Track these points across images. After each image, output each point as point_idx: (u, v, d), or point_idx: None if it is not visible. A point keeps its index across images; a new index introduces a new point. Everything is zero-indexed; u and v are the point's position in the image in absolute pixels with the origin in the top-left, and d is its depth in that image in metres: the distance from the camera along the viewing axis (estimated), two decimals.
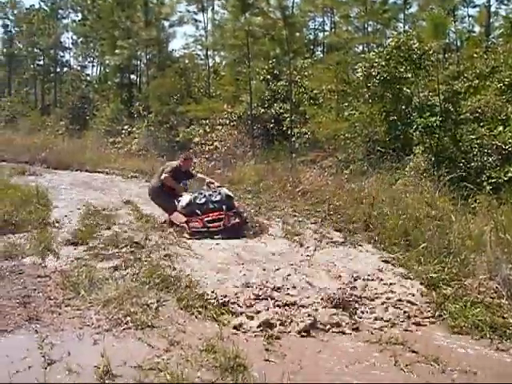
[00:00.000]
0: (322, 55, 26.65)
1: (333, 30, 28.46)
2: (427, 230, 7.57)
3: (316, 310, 5.15)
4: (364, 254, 7.35)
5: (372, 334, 4.76)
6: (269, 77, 20.41)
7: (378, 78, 14.76)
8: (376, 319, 5.06)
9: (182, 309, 5.09)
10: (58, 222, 8.62)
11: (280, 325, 4.83)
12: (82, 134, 27.21)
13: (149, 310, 4.96)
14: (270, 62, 20.59)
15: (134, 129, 23.80)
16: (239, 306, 5.20)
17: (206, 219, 8.46)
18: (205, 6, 26.96)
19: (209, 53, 27.63)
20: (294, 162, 15.21)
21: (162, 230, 8.39)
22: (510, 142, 12.59)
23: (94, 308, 4.98)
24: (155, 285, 5.60)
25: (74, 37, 44.37)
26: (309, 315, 4.99)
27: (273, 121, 19.39)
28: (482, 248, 6.59)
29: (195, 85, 25.48)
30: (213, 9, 28.79)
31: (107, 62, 30.76)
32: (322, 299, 5.36)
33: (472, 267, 6.15)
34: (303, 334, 4.72)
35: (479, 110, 14.37)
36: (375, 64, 14.91)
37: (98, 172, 17.20)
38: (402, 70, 14.67)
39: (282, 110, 19.07)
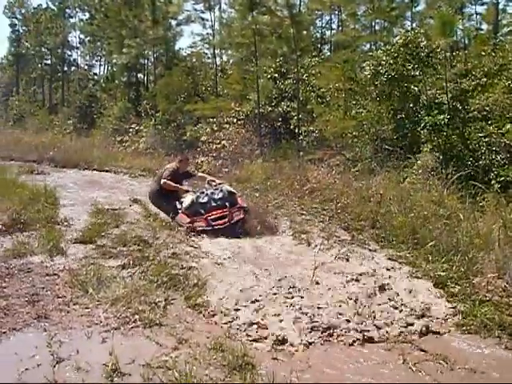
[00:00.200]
0: (329, 53, 26.47)
1: (340, 28, 28.32)
2: (435, 228, 7.56)
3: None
4: (371, 253, 7.34)
5: (380, 333, 4.75)
6: (276, 75, 20.35)
7: (385, 76, 14.70)
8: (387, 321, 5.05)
9: (189, 307, 5.10)
10: (66, 221, 8.64)
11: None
12: (90, 133, 27.31)
13: (157, 309, 4.97)
14: (278, 60, 20.52)
15: (142, 127, 23.85)
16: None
17: (209, 218, 8.48)
18: (212, 4, 26.91)
19: (216, 51, 27.62)
20: (302, 161, 15.18)
21: (169, 229, 8.40)
22: None
23: (103, 306, 5.00)
24: (163, 283, 5.61)
25: (82, 36, 44.39)
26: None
27: (280, 119, 19.34)
28: (491, 246, 6.58)
29: (202, 83, 25.45)
30: (220, 7, 28.78)
31: (114, 60, 30.84)
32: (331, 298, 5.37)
33: (480, 266, 6.14)
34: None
35: (487, 108, 14.28)
36: (383, 62, 14.85)
37: (106, 171, 17.26)
38: (409, 68, 14.60)
39: (289, 109, 19.01)
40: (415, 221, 7.97)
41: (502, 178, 11.62)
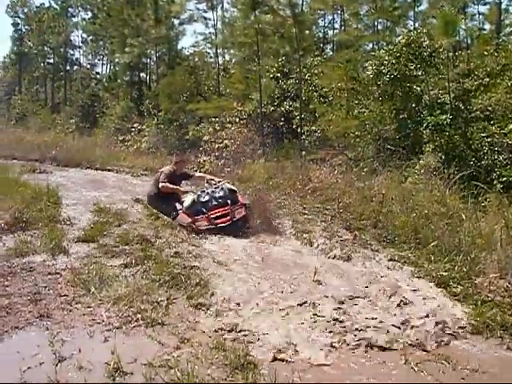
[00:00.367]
0: (331, 53, 26.50)
1: (342, 27, 28.33)
2: (437, 228, 7.56)
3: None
4: (373, 253, 7.34)
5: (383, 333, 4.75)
6: (278, 75, 20.36)
7: (387, 75, 14.71)
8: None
9: (192, 306, 5.11)
10: (68, 220, 8.63)
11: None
12: (92, 132, 27.30)
13: (159, 308, 4.98)
14: (280, 59, 20.52)
15: (144, 127, 23.86)
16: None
17: (212, 216, 8.46)
18: (214, 3, 26.94)
19: (218, 51, 27.63)
20: (304, 160, 15.18)
21: (172, 228, 8.40)
22: None
23: (105, 305, 5.00)
24: (165, 282, 5.62)
25: (84, 35, 44.43)
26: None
27: (282, 119, 19.35)
28: (493, 247, 6.58)
29: (205, 83, 25.46)
30: (222, 7, 28.85)
31: (117, 60, 30.84)
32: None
33: (482, 266, 6.14)
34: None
35: (490, 108, 14.28)
36: (385, 62, 14.85)
37: (108, 170, 17.23)
38: (412, 67, 14.61)
39: (291, 108, 19.02)
40: (417, 221, 7.97)
41: (505, 178, 11.64)
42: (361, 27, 24.55)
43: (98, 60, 46.29)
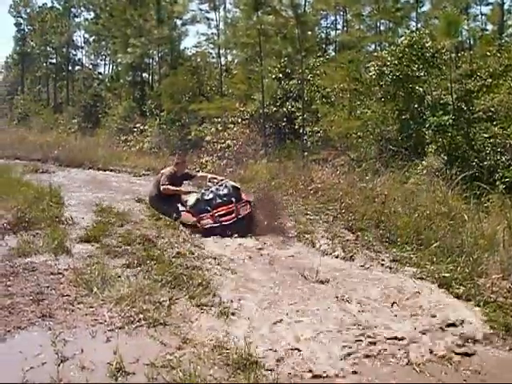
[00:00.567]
0: (334, 54, 26.45)
1: (345, 28, 28.32)
2: (440, 228, 7.56)
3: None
4: (375, 253, 7.33)
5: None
6: (281, 75, 20.36)
7: (390, 76, 14.71)
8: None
9: (194, 306, 5.10)
10: (70, 220, 8.63)
11: None
12: (95, 132, 27.33)
13: (161, 308, 4.98)
14: (282, 60, 20.53)
15: (146, 127, 23.84)
16: None
17: (216, 214, 8.43)
18: (217, 4, 26.96)
19: (221, 51, 27.59)
20: (306, 161, 15.18)
21: (174, 228, 8.40)
22: None
23: (107, 305, 5.00)
24: (167, 282, 5.62)
25: (87, 35, 44.39)
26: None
27: (285, 119, 19.37)
28: (495, 247, 6.58)
29: (207, 83, 25.50)
30: (225, 7, 28.75)
31: (119, 60, 30.85)
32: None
33: (485, 267, 6.12)
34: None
35: (492, 109, 14.29)
36: (387, 62, 14.86)
37: (110, 170, 17.23)
38: (414, 68, 14.61)
39: (294, 109, 19.03)
40: (419, 221, 7.96)
41: (507, 179, 11.65)
42: (363, 28, 24.60)
43: (101, 60, 46.35)
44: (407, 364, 4.17)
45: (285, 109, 19.27)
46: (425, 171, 12.21)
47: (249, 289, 5.68)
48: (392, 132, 14.90)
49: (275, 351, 4.25)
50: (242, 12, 21.26)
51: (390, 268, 6.58)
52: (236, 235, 8.01)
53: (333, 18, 30.60)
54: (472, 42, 24.35)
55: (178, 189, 9.34)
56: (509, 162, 12.46)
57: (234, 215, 8.36)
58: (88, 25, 42.36)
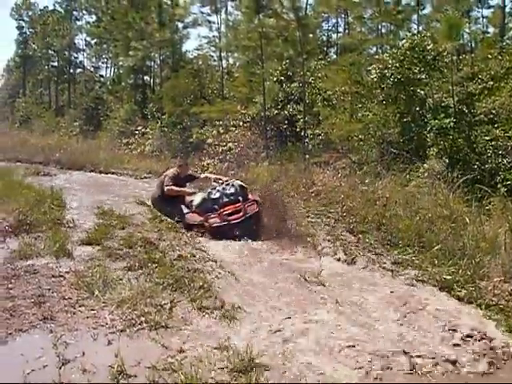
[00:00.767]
0: (335, 56, 26.50)
1: (346, 31, 28.41)
2: (441, 231, 7.55)
3: None
4: (376, 256, 7.32)
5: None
6: (282, 78, 20.37)
7: (391, 79, 14.71)
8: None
9: (195, 309, 5.10)
10: (72, 222, 8.63)
11: None
12: (96, 135, 27.38)
13: (163, 311, 4.97)
14: (284, 63, 20.53)
15: (148, 130, 23.84)
16: None
17: (224, 213, 8.37)
18: (218, 7, 27.09)
19: (222, 54, 27.73)
20: (308, 164, 15.17)
21: (175, 231, 8.39)
22: None
23: (108, 308, 5.00)
24: (169, 285, 5.61)
25: (88, 38, 44.44)
26: None
27: (286, 122, 19.37)
28: (497, 250, 6.57)
29: (209, 86, 25.53)
30: (226, 10, 28.88)
31: (121, 63, 30.93)
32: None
33: (487, 270, 6.13)
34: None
35: (494, 112, 14.29)
36: (389, 65, 14.86)
37: (112, 173, 17.23)
38: (415, 71, 14.61)
39: (295, 112, 19.04)
40: (421, 224, 7.96)
41: (509, 182, 11.64)
42: (365, 31, 24.66)
43: (102, 63, 46.38)
44: (411, 371, 4.15)
45: (286, 111, 19.28)
46: (426, 174, 12.19)
47: (250, 292, 5.69)
48: (393, 135, 14.89)
49: (277, 355, 4.25)
50: (244, 15, 21.30)
51: (392, 271, 6.57)
52: (244, 237, 7.97)
53: (334, 20, 30.72)
54: (473, 45, 24.41)
55: (181, 189, 9.34)
56: (510, 164, 12.45)
57: (241, 214, 8.30)
58: (90, 28, 42.42)
